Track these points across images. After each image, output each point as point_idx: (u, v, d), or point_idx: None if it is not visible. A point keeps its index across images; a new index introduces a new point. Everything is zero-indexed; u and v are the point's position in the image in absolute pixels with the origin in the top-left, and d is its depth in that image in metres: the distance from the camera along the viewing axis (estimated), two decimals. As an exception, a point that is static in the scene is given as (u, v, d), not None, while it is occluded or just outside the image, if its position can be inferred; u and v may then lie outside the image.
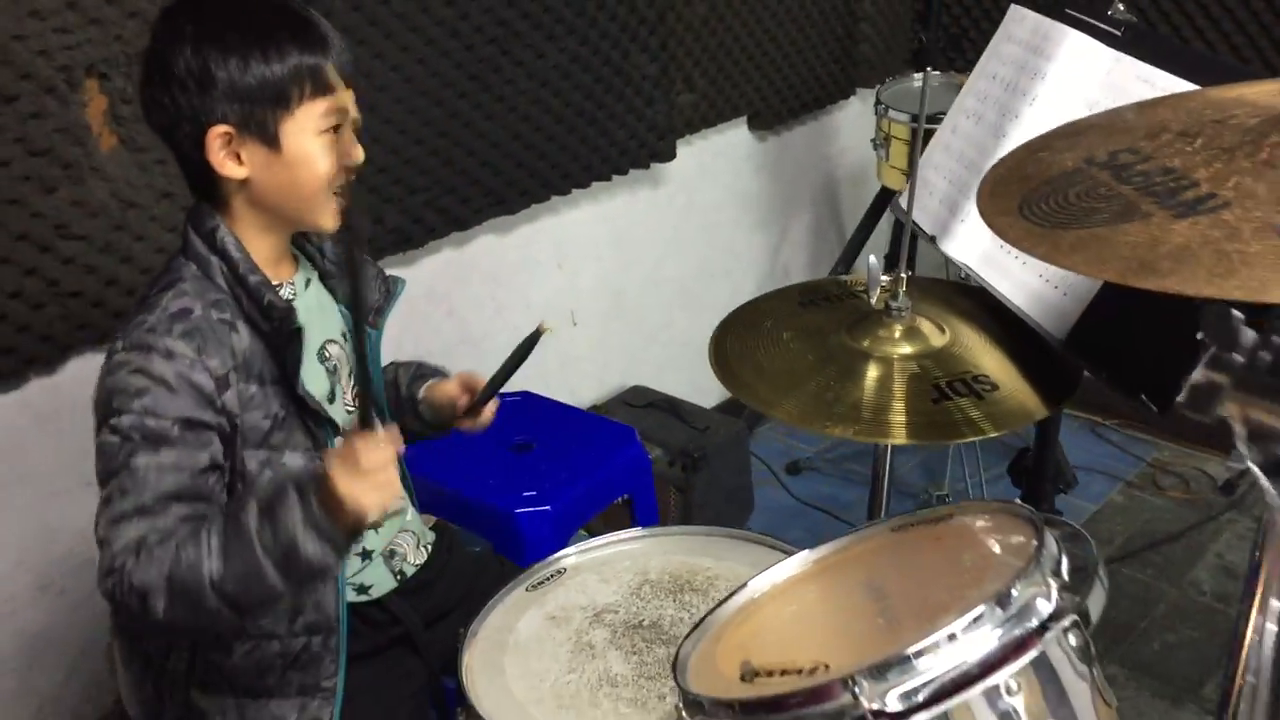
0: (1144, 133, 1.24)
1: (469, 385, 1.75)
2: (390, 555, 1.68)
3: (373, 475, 1.32)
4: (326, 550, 1.31)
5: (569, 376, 2.99)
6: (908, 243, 1.61)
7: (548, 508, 2.14)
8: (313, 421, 1.50)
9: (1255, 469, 0.69)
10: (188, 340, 1.38)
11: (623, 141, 2.81)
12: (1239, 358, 0.65)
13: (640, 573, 1.67)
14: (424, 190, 2.46)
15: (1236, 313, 0.65)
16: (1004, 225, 1.14)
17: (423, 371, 1.83)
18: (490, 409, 1.75)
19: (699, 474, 2.82)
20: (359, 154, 1.49)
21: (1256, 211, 1.02)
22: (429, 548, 1.75)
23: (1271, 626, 0.86)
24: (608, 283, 3.05)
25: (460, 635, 1.56)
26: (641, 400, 3.01)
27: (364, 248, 1.47)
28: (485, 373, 1.75)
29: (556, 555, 1.70)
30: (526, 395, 2.49)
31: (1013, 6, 1.91)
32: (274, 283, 1.50)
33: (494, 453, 2.29)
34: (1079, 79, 1.71)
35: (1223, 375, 0.66)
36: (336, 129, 1.46)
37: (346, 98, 1.47)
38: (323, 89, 1.43)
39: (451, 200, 2.52)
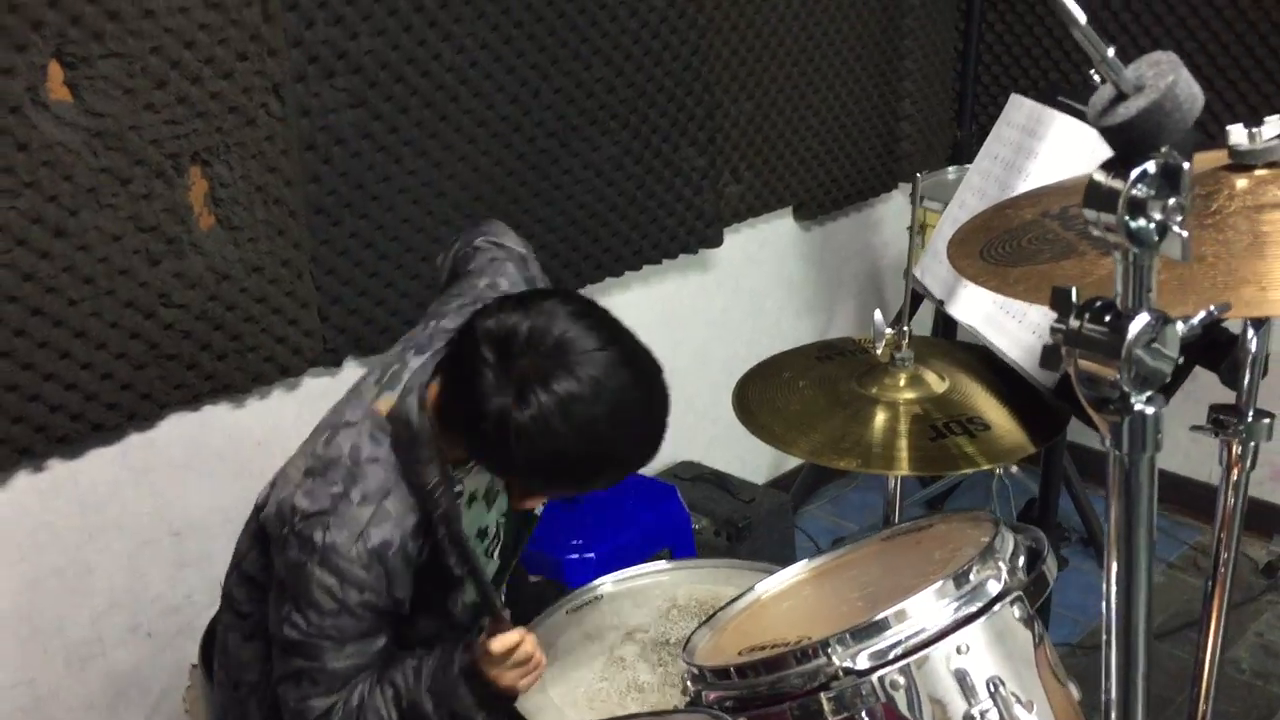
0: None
1: None
2: None
3: (518, 659, 1.47)
4: None
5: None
6: (908, 300, 1.79)
7: (592, 555, 2.31)
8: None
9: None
10: (380, 579, 1.46)
11: (672, 228, 3.02)
12: (1073, 323, 0.82)
13: (669, 599, 1.83)
14: (487, 270, 2.68)
15: (1067, 288, 0.83)
16: (965, 265, 1.32)
17: None
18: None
19: (743, 544, 2.94)
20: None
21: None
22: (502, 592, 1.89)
23: None
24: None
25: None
26: (690, 474, 3.17)
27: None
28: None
29: (594, 583, 1.87)
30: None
31: (1013, 96, 2.11)
32: (455, 472, 1.55)
33: (546, 506, 2.47)
34: (1067, 156, 1.90)
35: (1060, 336, 0.84)
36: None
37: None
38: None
39: (512, 280, 2.74)
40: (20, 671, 2.20)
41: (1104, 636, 0.91)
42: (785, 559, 3.09)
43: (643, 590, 1.85)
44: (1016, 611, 1.19)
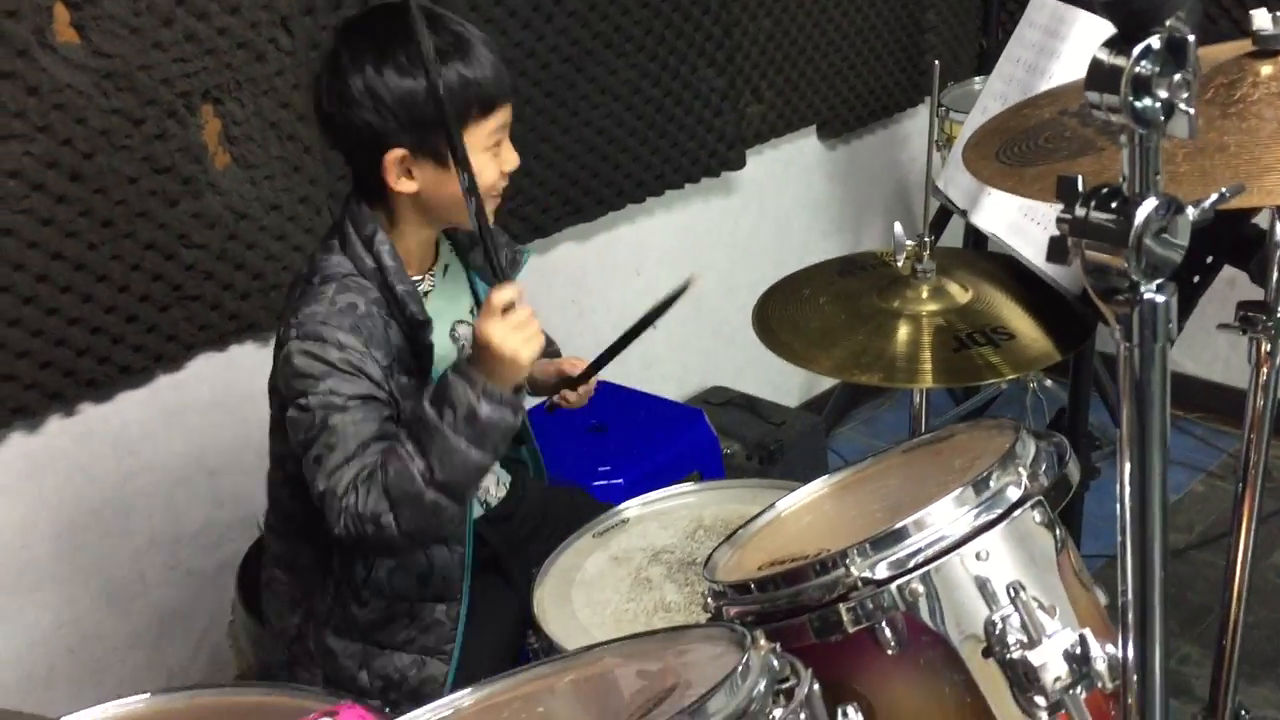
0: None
1: (573, 365, 1.91)
2: None
3: (515, 321, 1.48)
4: (503, 409, 1.47)
5: (651, 377, 3.14)
6: (926, 208, 1.76)
7: (620, 480, 2.31)
8: None
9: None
10: (356, 334, 1.54)
11: (693, 152, 2.98)
12: (1079, 211, 0.79)
13: (695, 520, 1.83)
14: (506, 200, 2.65)
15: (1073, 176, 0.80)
16: (979, 168, 1.29)
17: None
18: (590, 386, 1.90)
19: (775, 467, 2.93)
20: (515, 160, 1.64)
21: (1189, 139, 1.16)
22: (506, 485, 1.92)
23: None
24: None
25: (533, 575, 1.74)
26: (720, 399, 3.16)
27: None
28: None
29: (621, 506, 1.87)
30: (600, 384, 2.66)
31: (1034, -5, 2.05)
32: (418, 276, 1.66)
33: (572, 433, 2.47)
34: (1089, 55, 1.84)
35: (1066, 226, 0.81)
36: (499, 142, 1.60)
37: (507, 112, 1.60)
38: (489, 108, 1.56)
39: (532, 209, 2.72)
40: (65, 612, 2.25)
41: (1119, 539, 0.90)
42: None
43: (669, 512, 1.85)
44: (1037, 516, 1.18)
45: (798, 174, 3.41)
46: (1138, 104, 0.76)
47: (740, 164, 3.10)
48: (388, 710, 1.69)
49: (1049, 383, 3.31)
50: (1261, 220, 1.46)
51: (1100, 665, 1.06)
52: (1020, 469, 1.20)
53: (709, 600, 1.29)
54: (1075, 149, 1.22)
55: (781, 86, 3.18)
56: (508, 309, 1.48)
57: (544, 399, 1.95)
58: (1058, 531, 1.20)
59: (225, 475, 2.42)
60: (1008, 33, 3.44)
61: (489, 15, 2.49)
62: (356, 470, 1.49)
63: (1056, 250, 0.82)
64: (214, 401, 2.37)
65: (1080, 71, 1.88)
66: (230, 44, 2.16)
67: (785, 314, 1.86)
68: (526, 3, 2.55)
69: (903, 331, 1.77)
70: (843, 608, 1.15)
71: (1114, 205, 0.80)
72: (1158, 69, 0.75)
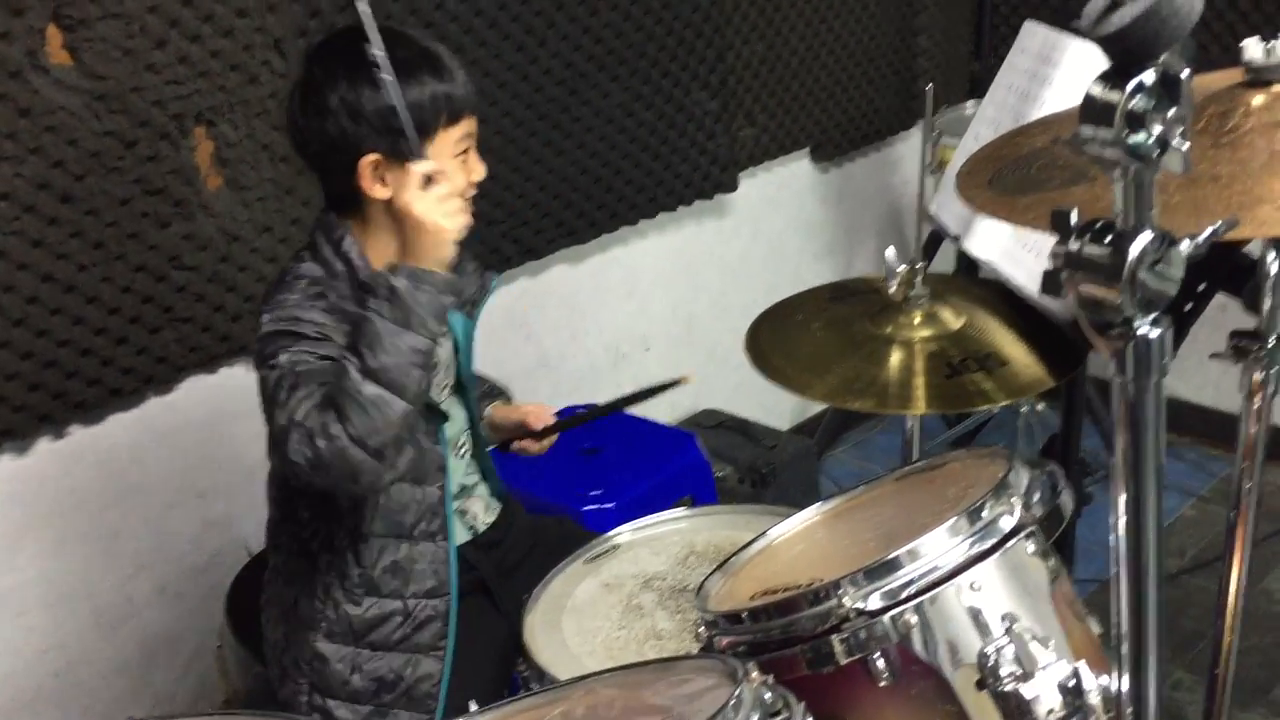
0: (1108, 113, 1.38)
1: (538, 416, 1.94)
2: (462, 514, 1.86)
3: (438, 193, 1.51)
4: (423, 284, 1.48)
5: (644, 399, 3.14)
6: (920, 234, 1.75)
7: (612, 505, 2.30)
8: (425, 410, 1.66)
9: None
10: (328, 314, 1.59)
11: (686, 174, 2.99)
12: (1073, 245, 0.79)
13: (687, 545, 1.82)
14: (499, 222, 2.66)
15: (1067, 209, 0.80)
16: (972, 195, 1.29)
17: (488, 390, 2.01)
18: (551, 439, 1.94)
19: (767, 490, 2.93)
20: (483, 170, 1.70)
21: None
22: (496, 512, 1.92)
23: None
24: (677, 310, 3.20)
25: (523, 601, 1.73)
26: (712, 421, 3.15)
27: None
28: (558, 395, 1.94)
29: (612, 532, 1.86)
30: (593, 408, 2.66)
31: (1026, 23, 2.06)
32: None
33: (564, 457, 2.46)
34: (1082, 82, 1.85)
35: (1059, 260, 0.81)
36: (466, 150, 1.66)
37: (472, 122, 1.66)
38: (456, 117, 1.62)
39: (525, 231, 2.72)
40: (51, 636, 2.23)
41: (1113, 569, 0.89)
42: (810, 505, 3.07)
43: (660, 538, 1.85)
44: (1031, 547, 1.17)
45: (790, 197, 3.41)
46: (1131, 139, 0.76)
47: (733, 186, 3.10)
48: (380, 711, 1.70)
49: (1040, 407, 3.31)
50: (1253, 248, 1.46)
51: (1094, 698, 1.06)
52: (1013, 499, 1.20)
53: (701, 630, 1.28)
54: (1068, 178, 1.22)
55: (774, 110, 3.19)
56: (429, 182, 1.52)
57: (500, 442, 1.98)
58: (1051, 561, 1.19)
59: (215, 498, 2.41)
60: (1000, 57, 3.46)
61: (483, 38, 2.49)
62: (315, 401, 1.51)
63: (1050, 283, 0.82)
64: (204, 424, 2.36)
65: (1073, 98, 1.89)
66: (223, 66, 2.16)
67: (778, 339, 1.85)
68: (520, 26, 2.55)
69: (895, 357, 1.77)
70: (835, 639, 1.15)
71: (1108, 239, 0.79)
72: (1152, 104, 0.75)
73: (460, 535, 1.83)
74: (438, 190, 1.53)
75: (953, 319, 1.82)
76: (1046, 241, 1.84)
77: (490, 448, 1.95)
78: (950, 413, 3.36)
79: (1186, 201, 1.08)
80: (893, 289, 1.80)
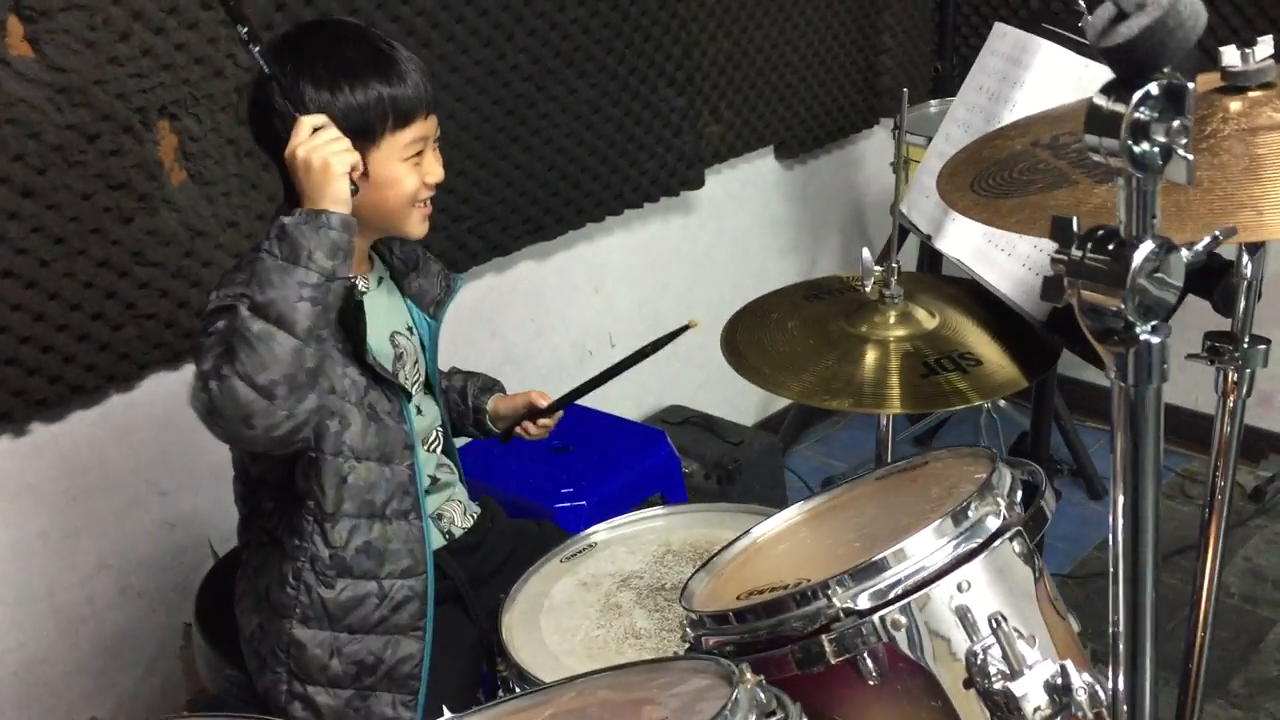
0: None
1: (537, 402, 1.95)
2: (439, 518, 1.86)
3: (325, 135, 1.50)
4: (311, 219, 1.47)
5: (608, 395, 3.12)
6: (897, 236, 1.77)
7: (583, 502, 2.30)
8: (388, 390, 1.68)
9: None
10: None
11: (653, 171, 2.99)
12: (1075, 253, 0.80)
13: (664, 544, 1.82)
14: (466, 218, 2.65)
15: (1067, 217, 0.81)
16: (955, 199, 1.30)
17: (487, 384, 2.02)
18: (552, 420, 1.94)
19: (733, 486, 2.94)
20: (439, 173, 1.68)
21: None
22: (474, 516, 1.92)
23: None
24: (643, 306, 3.21)
25: (500, 600, 1.73)
26: (678, 418, 3.16)
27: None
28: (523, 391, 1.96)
29: (588, 531, 1.86)
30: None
31: (996, 24, 2.07)
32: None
33: (535, 454, 2.46)
34: (1053, 85, 1.87)
35: (1061, 267, 0.82)
36: (420, 153, 1.64)
37: (427, 125, 1.64)
38: (405, 121, 1.61)
39: (492, 228, 2.70)
40: (11, 637, 2.19)
41: (1110, 569, 0.91)
42: (775, 500, 3.09)
43: (636, 536, 1.84)
44: (1016, 547, 1.19)
45: (755, 194, 3.43)
46: (1136, 149, 0.77)
47: (699, 183, 3.11)
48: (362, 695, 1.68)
49: (1002, 403, 3.34)
50: (1224, 251, 1.48)
51: (1081, 695, 1.07)
52: (999, 499, 1.21)
53: (687, 629, 1.29)
54: (1050, 182, 1.23)
55: (740, 107, 3.20)
56: (317, 131, 1.51)
57: (500, 431, 1.99)
58: (1036, 561, 1.21)
59: (177, 496, 2.38)
60: (962, 57, 3.52)
61: (450, 33, 2.48)
62: (216, 351, 1.50)
63: (1051, 290, 0.83)
64: (167, 421, 2.33)
65: (1043, 100, 1.91)
66: (188, 59, 2.13)
67: (754, 338, 1.86)
68: (488, 21, 2.54)
69: (871, 356, 1.78)
70: (825, 639, 1.15)
71: (1110, 247, 0.80)
72: (1156, 115, 0.75)
73: (435, 540, 1.82)
74: (325, 134, 1.51)
75: (927, 319, 1.83)
76: (1017, 241, 1.86)
77: (493, 438, 1.98)
78: (920, 412, 3.39)
79: (1168, 206, 1.09)
80: (868, 288, 1.81)
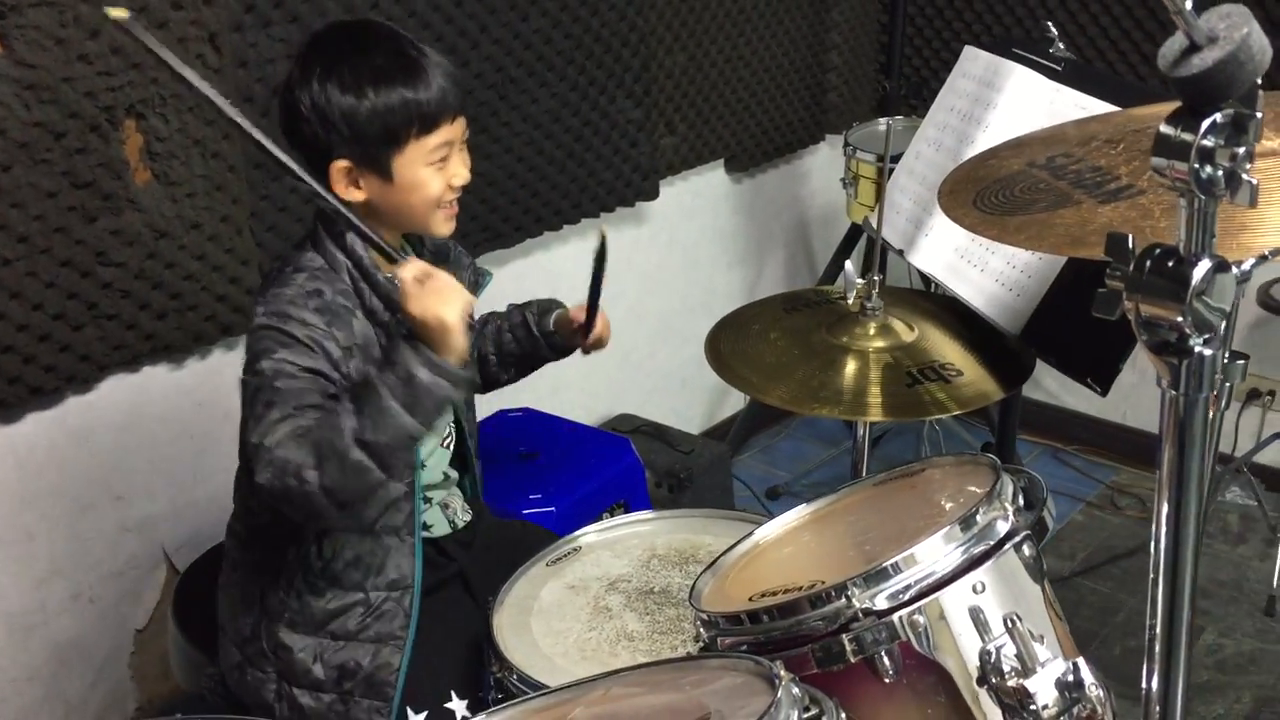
0: (1076, 141, 1.46)
1: (580, 310, 1.95)
2: (445, 506, 1.88)
3: (432, 287, 1.51)
4: (440, 378, 1.49)
5: (560, 403, 3.15)
6: (878, 252, 1.82)
7: (552, 509, 2.31)
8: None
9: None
10: (320, 314, 1.58)
11: (609, 181, 3.02)
12: (1133, 270, 0.85)
13: (649, 548, 1.85)
14: (429, 224, 2.64)
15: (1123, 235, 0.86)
16: (961, 215, 1.35)
17: (546, 306, 2.03)
18: (606, 327, 1.94)
19: (684, 494, 2.97)
20: (465, 175, 1.69)
21: (1166, 196, 1.24)
22: (471, 515, 1.94)
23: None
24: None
25: (489, 603, 1.74)
26: (628, 426, 3.18)
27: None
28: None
29: (573, 535, 1.88)
30: (529, 411, 2.67)
31: (966, 48, 2.14)
32: (388, 275, 1.66)
33: (503, 462, 2.47)
34: (1025, 107, 1.94)
35: (1118, 281, 0.87)
36: (445, 157, 1.65)
37: (454, 129, 1.65)
38: (430, 126, 1.61)
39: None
40: (-40, 643, 2.14)
41: (1151, 575, 0.95)
42: (727, 508, 3.12)
43: (621, 540, 1.87)
44: (1026, 550, 1.24)
45: (705, 206, 3.47)
46: (1202, 173, 0.82)
47: (654, 194, 3.15)
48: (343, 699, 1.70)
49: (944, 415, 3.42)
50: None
51: (1093, 692, 1.12)
52: (1005, 504, 1.27)
53: (700, 630, 1.31)
54: (1053, 201, 1.29)
55: (694, 120, 3.24)
56: (421, 281, 1.52)
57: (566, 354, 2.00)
58: (1041, 565, 1.26)
59: (133, 501, 2.35)
60: (907, 77, 3.60)
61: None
62: (292, 427, 1.50)
63: (1105, 304, 0.87)
64: (124, 425, 2.30)
65: (1016, 121, 1.98)
66: (156, 59, 2.10)
67: (738, 348, 1.90)
68: (453, 29, 2.55)
69: (851, 366, 1.83)
70: (845, 638, 1.19)
71: (1170, 265, 0.85)
72: (1222, 142, 0.81)
73: (441, 528, 1.85)
74: (432, 284, 1.52)
75: (905, 331, 1.89)
76: (990, 256, 1.92)
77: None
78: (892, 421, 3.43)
79: (1171, 228, 1.15)
80: (850, 300, 1.86)
